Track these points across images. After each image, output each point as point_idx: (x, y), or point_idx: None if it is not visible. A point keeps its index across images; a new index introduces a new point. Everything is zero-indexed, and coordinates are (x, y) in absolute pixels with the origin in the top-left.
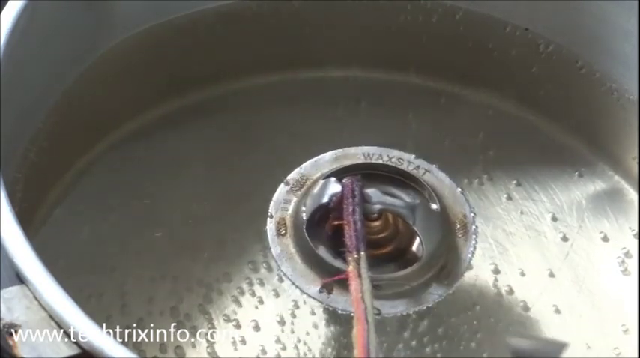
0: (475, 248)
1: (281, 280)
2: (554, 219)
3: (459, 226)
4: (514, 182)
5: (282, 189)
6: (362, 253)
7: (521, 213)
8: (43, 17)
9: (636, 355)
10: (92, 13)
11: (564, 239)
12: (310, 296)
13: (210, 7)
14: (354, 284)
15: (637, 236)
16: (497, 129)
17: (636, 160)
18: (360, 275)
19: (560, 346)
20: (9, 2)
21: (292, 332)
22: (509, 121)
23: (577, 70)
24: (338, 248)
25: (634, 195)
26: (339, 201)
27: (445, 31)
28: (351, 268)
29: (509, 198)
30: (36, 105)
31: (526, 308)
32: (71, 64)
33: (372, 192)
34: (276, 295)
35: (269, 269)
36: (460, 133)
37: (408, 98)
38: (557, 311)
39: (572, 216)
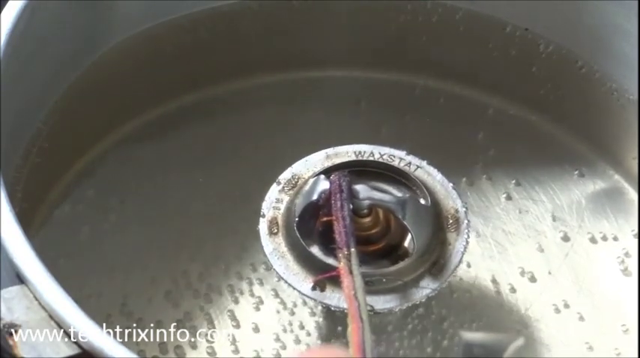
0: (468, 242)
1: (280, 280)
2: (554, 218)
3: (451, 221)
4: (514, 182)
5: (274, 188)
6: (352, 249)
7: (521, 212)
8: (43, 17)
9: (636, 355)
10: (92, 13)
11: (564, 239)
12: (303, 294)
13: (210, 7)
14: (346, 281)
15: (637, 236)
16: (497, 129)
17: (636, 160)
18: (351, 272)
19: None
20: (9, 2)
21: (292, 331)
22: (509, 121)
23: (577, 70)
24: (329, 245)
25: (634, 194)
26: (327, 197)
27: (445, 31)
28: (342, 265)
29: (509, 197)
30: (36, 105)
31: (526, 308)
32: (71, 64)
33: (360, 187)
34: (276, 295)
35: (268, 268)
36: (460, 133)
37: (407, 98)
38: (557, 311)
39: (572, 216)
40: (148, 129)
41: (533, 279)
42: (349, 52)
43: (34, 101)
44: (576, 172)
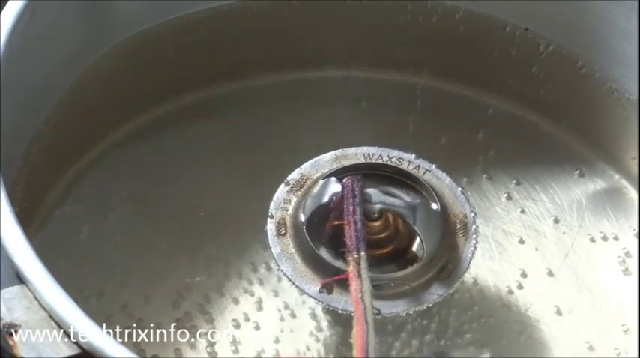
0: (476, 248)
1: (280, 280)
2: (554, 218)
3: (459, 226)
4: (514, 181)
5: (282, 189)
6: (362, 253)
7: (521, 212)
8: (43, 17)
9: (636, 355)
10: (92, 13)
11: (564, 238)
12: (310, 296)
13: (210, 7)
14: (354, 284)
15: (637, 235)
16: (497, 129)
17: (636, 160)
18: (360, 276)
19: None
20: (9, 2)
21: (292, 331)
22: (509, 121)
23: (577, 70)
24: (338, 248)
25: (634, 194)
26: (339, 200)
27: (445, 31)
28: (351, 268)
29: (509, 197)
30: (36, 106)
31: (526, 308)
32: (71, 64)
33: (372, 191)
34: (276, 295)
35: (269, 269)
36: (460, 133)
37: (407, 98)
38: (557, 311)
39: (573, 216)
40: (148, 129)
41: (533, 279)
42: (349, 52)
43: (34, 101)
44: (576, 172)
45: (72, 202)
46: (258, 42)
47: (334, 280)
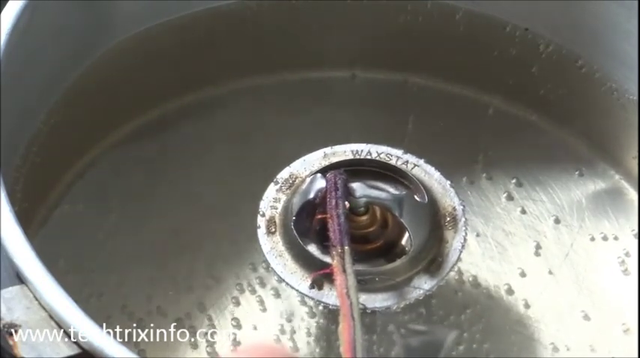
0: (465, 240)
1: (280, 280)
2: (554, 218)
3: (448, 219)
4: (514, 181)
5: (271, 187)
6: (346, 247)
7: (522, 212)
8: (43, 17)
9: (636, 355)
10: (92, 13)
11: (564, 239)
12: (300, 293)
13: (210, 7)
14: (338, 279)
15: (637, 236)
16: (497, 129)
17: (637, 160)
18: (344, 270)
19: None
20: (9, 2)
21: (293, 331)
22: (509, 121)
23: (577, 70)
24: (326, 243)
25: (634, 194)
26: (324, 195)
27: (445, 31)
28: (335, 263)
29: (509, 197)
30: (36, 105)
31: (526, 308)
32: (71, 64)
33: (357, 185)
34: (276, 294)
35: (268, 268)
36: (460, 133)
37: (407, 98)
38: (558, 311)
39: (573, 216)
40: (148, 129)
41: (533, 279)
42: (349, 52)
43: (34, 101)
44: (576, 172)
45: (72, 202)
46: (258, 42)
47: (321, 275)
